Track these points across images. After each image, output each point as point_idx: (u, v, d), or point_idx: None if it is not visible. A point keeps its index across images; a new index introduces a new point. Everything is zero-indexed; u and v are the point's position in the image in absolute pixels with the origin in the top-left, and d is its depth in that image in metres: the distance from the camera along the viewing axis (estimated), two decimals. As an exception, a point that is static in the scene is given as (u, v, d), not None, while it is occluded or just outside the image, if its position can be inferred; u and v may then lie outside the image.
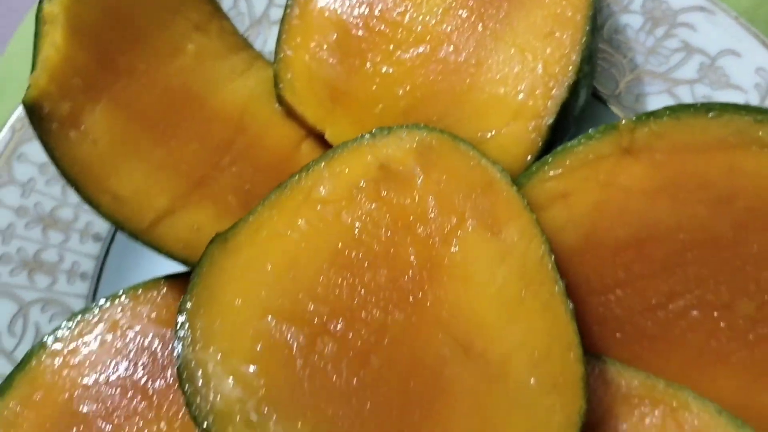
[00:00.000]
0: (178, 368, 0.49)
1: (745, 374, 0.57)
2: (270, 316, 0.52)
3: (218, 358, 0.50)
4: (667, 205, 0.56)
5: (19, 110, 0.68)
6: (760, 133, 0.52)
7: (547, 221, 0.58)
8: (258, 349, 0.50)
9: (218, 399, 0.48)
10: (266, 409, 0.48)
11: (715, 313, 0.56)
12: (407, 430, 0.49)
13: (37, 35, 0.55)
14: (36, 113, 0.53)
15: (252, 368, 0.50)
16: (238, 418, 0.48)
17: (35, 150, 0.68)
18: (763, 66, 0.66)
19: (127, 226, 0.55)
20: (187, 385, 0.49)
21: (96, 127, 0.56)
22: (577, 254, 0.58)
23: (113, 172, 0.55)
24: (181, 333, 0.50)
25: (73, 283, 0.66)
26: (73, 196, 0.68)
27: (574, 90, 0.59)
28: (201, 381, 0.49)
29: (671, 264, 0.57)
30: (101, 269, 0.68)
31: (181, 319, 0.51)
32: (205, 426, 0.47)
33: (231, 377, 0.49)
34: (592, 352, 0.58)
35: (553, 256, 0.55)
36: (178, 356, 0.50)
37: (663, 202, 0.56)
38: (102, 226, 0.69)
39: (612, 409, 0.57)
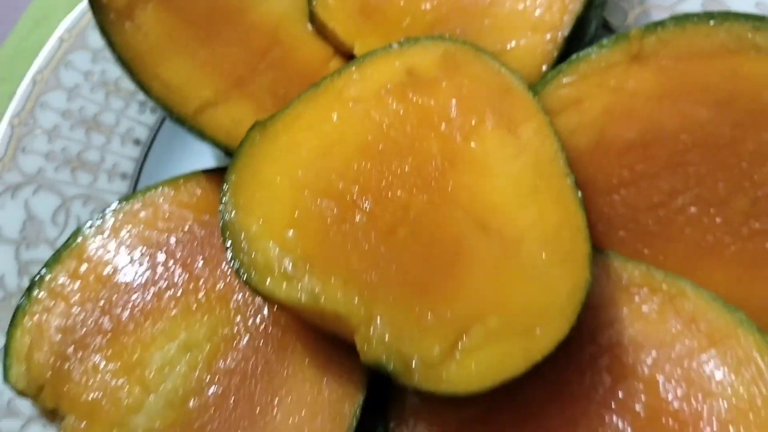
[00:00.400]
0: (222, 230, 0.54)
1: (739, 267, 0.62)
2: (306, 191, 0.57)
3: (260, 222, 0.55)
4: (671, 108, 0.61)
5: (67, 22, 0.73)
6: (758, 39, 0.57)
7: (560, 125, 0.63)
8: (295, 215, 0.55)
9: (259, 255, 0.53)
10: (302, 264, 0.53)
11: (712, 210, 0.61)
12: (428, 289, 0.54)
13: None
14: (96, 2, 0.57)
15: (290, 232, 0.54)
16: (276, 271, 0.52)
17: (81, 58, 0.73)
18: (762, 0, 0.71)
19: (175, 111, 0.59)
20: (230, 245, 0.53)
21: (148, 22, 0.61)
22: (586, 156, 0.63)
23: (162, 63, 0.60)
24: (225, 200, 0.55)
25: (113, 182, 0.71)
26: (115, 102, 0.73)
27: (588, 6, 0.64)
28: (244, 241, 0.54)
29: (673, 164, 0.61)
30: (140, 171, 0.72)
31: (225, 188, 0.55)
32: (246, 278, 0.52)
33: (271, 238, 0.54)
34: (597, 247, 0.63)
35: (564, 154, 0.60)
36: (223, 221, 0.54)
37: (667, 105, 0.61)
38: (141, 131, 0.73)
39: (614, 297, 0.62)
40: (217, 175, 0.65)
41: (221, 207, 0.54)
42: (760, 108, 0.59)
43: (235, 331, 0.59)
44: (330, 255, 0.54)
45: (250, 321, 0.60)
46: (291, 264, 0.53)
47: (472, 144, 0.61)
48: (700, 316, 0.60)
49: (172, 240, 0.62)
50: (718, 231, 0.61)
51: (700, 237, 0.62)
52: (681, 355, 0.59)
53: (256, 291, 0.52)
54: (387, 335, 0.51)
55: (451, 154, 0.60)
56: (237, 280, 0.61)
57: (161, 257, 0.62)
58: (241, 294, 0.60)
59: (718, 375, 0.58)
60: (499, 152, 0.60)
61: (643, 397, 0.58)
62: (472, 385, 0.50)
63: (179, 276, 0.61)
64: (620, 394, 0.59)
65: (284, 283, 0.52)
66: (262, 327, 0.59)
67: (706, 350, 0.59)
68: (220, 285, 0.61)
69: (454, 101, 0.63)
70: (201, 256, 0.62)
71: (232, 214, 0.54)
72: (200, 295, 0.60)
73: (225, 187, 0.55)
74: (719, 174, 0.61)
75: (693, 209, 0.62)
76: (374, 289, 0.53)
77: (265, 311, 0.60)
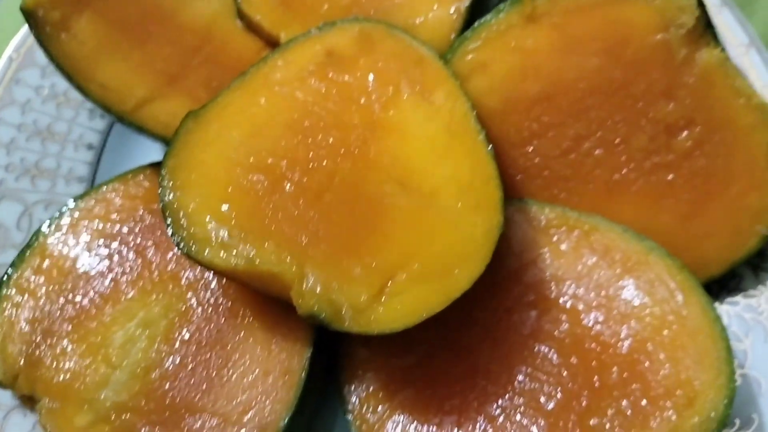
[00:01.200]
0: (162, 211, 0.59)
1: (645, 199, 0.67)
2: (238, 168, 0.62)
3: (196, 200, 0.60)
4: (567, 61, 0.66)
5: (15, 42, 0.78)
6: (637, -13, 0.63)
7: (470, 88, 0.68)
8: (229, 191, 0.60)
9: (197, 229, 0.58)
10: (237, 233, 0.58)
11: (616, 150, 0.67)
12: (355, 245, 0.59)
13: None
14: (33, 17, 0.63)
15: (225, 206, 0.60)
16: (214, 242, 0.57)
17: (31, 74, 0.78)
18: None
19: (114, 109, 0.65)
20: (170, 222, 0.58)
21: (82, 31, 0.66)
22: (497, 114, 0.68)
23: (99, 67, 0.66)
24: (165, 183, 0.60)
25: (71, 186, 0.76)
26: (66, 113, 0.78)
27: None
28: (183, 218, 0.59)
29: (575, 111, 0.67)
30: (95, 173, 0.78)
31: (164, 172, 0.61)
32: (186, 251, 0.57)
33: (207, 213, 0.59)
34: (516, 197, 0.69)
35: (475, 112, 0.65)
36: (163, 202, 0.59)
37: (563, 58, 0.66)
38: (93, 137, 0.79)
39: (534, 239, 0.67)
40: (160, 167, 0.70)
41: (160, 190, 0.60)
42: (645, 50, 0.64)
43: (188, 305, 0.64)
44: (263, 223, 0.59)
45: (201, 295, 0.65)
46: (227, 234, 0.58)
47: (390, 113, 0.66)
48: (614, 248, 0.65)
49: (125, 230, 0.67)
50: (624, 168, 0.67)
51: (608, 176, 0.67)
52: (599, 284, 0.64)
53: (197, 261, 0.57)
54: (318, 287, 0.56)
55: (372, 123, 0.65)
56: (186, 261, 0.66)
57: (116, 246, 0.67)
58: (191, 272, 0.66)
59: (634, 299, 0.63)
60: (415, 117, 0.65)
61: (566, 325, 0.63)
62: (398, 323, 0.56)
63: (134, 261, 0.66)
64: (546, 326, 0.64)
65: (222, 252, 0.57)
66: (213, 299, 0.64)
67: (621, 277, 0.64)
68: (172, 266, 0.66)
69: (371, 75, 0.68)
70: (152, 242, 0.67)
71: (171, 196, 0.60)
72: (154, 276, 0.65)
73: (163, 171, 0.60)
74: (618, 116, 0.66)
75: (599, 151, 0.67)
76: (305, 249, 0.58)
77: (214, 285, 0.65)
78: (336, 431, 0.68)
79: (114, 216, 0.68)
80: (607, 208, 0.67)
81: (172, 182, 0.60)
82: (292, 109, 0.66)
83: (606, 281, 0.64)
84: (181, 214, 0.59)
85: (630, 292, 0.63)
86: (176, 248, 0.64)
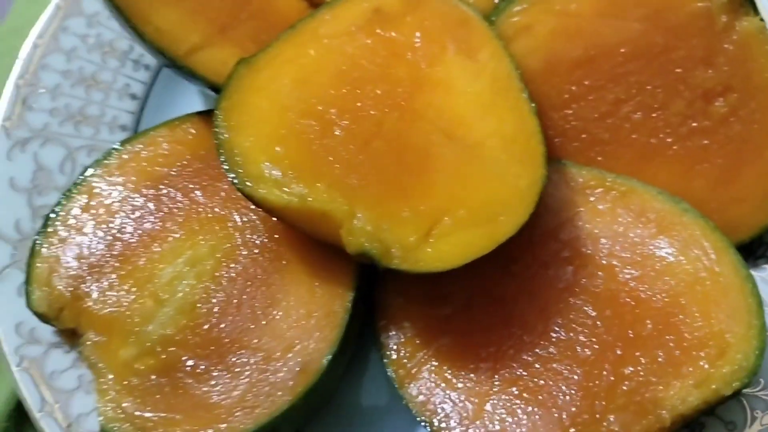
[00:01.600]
0: (218, 148, 0.61)
1: (680, 165, 0.69)
2: (289, 113, 0.63)
3: (250, 140, 0.61)
4: (609, 25, 0.68)
5: (62, -9, 0.80)
6: (681, -44, 0.65)
7: (514, 49, 0.70)
8: (282, 133, 0.62)
9: (252, 167, 0.60)
10: (290, 172, 0.60)
11: (654, 114, 0.69)
12: (403, 189, 0.61)
13: None
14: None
15: (278, 147, 0.61)
16: (269, 180, 0.59)
17: (77, 23, 0.79)
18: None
19: (167, 52, 0.66)
20: (225, 159, 0.60)
21: (140, -25, 0.68)
22: (539, 76, 0.70)
23: (154, 11, 0.67)
24: (219, 122, 0.62)
25: (114, 133, 0.78)
26: (111, 62, 0.79)
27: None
28: (238, 156, 0.60)
29: (616, 75, 0.69)
30: (138, 123, 0.79)
31: (218, 112, 0.62)
32: (241, 188, 0.59)
33: (261, 153, 0.60)
34: (555, 158, 0.70)
35: (518, 72, 0.67)
36: (218, 140, 0.61)
37: (606, 23, 0.68)
38: (137, 87, 0.80)
39: (572, 199, 0.69)
40: (208, 116, 0.71)
41: (215, 129, 0.61)
42: (686, 18, 0.67)
43: (234, 246, 0.66)
44: (314, 164, 0.61)
45: (248, 237, 0.66)
46: (280, 173, 0.60)
47: (436, 69, 0.68)
48: (649, 208, 0.67)
49: (172, 172, 0.69)
50: (661, 133, 0.69)
51: (645, 140, 0.69)
52: (634, 242, 0.66)
53: (251, 198, 0.59)
54: (369, 226, 0.58)
55: (418, 78, 0.67)
56: (234, 204, 0.67)
57: (163, 188, 0.68)
58: (238, 215, 0.67)
59: (668, 256, 0.65)
60: (460, 74, 0.67)
61: (601, 281, 0.65)
62: (446, 263, 0.57)
63: (181, 203, 0.68)
64: (582, 281, 0.66)
65: (275, 190, 0.59)
66: (259, 241, 0.66)
67: (656, 236, 0.66)
68: (219, 209, 0.67)
69: (418, 33, 0.70)
70: (199, 185, 0.68)
71: (226, 134, 0.61)
72: (201, 217, 0.67)
73: (217, 111, 0.62)
74: (657, 81, 0.68)
75: (637, 115, 0.69)
76: (355, 190, 0.60)
77: (261, 228, 0.67)
78: (371, 374, 0.69)
79: (161, 159, 0.69)
80: (642, 172, 0.69)
81: (226, 122, 0.62)
82: (341, 61, 0.68)
83: (641, 240, 0.66)
84: (236, 152, 0.60)
85: (664, 250, 0.65)
86: (228, 196, 0.65)
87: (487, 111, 0.65)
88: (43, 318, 0.65)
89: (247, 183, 0.59)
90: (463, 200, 0.60)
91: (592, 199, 0.68)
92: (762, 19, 0.66)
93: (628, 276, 0.65)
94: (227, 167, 0.59)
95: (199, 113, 0.72)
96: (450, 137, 0.63)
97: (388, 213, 0.59)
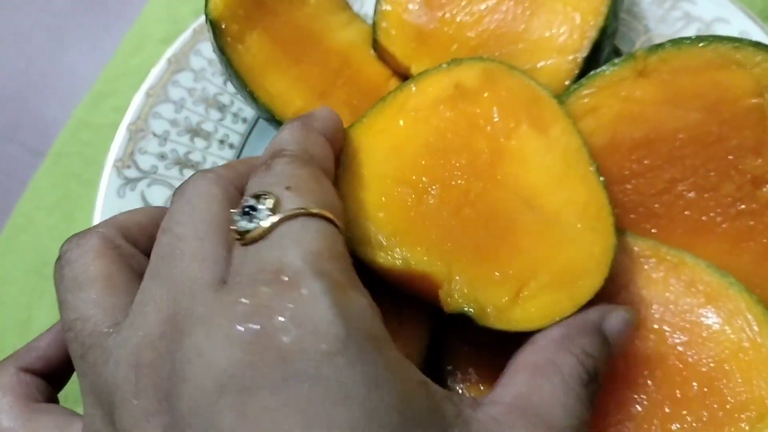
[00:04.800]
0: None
1: (728, 241, 0.76)
2: (388, 180, 0.71)
3: (354, 205, 0.69)
4: (670, 113, 0.76)
5: (173, 48, 0.89)
6: (738, 56, 0.73)
7: (581, 128, 0.77)
8: (382, 200, 0.69)
9: (359, 232, 0.67)
10: (393, 238, 0.67)
11: (706, 195, 0.76)
12: (491, 254, 0.68)
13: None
14: (216, 28, 0.74)
15: (380, 213, 0.69)
16: (375, 244, 0.66)
17: (186, 78, 0.89)
18: (746, 30, 0.87)
19: (276, 115, 0.75)
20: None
21: (253, 45, 0.77)
22: (602, 153, 0.78)
23: (265, 77, 0.76)
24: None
25: (213, 179, 0.87)
26: (213, 114, 0.89)
27: (602, 34, 0.80)
28: (349, 221, 0.67)
29: (673, 158, 0.76)
30: (233, 170, 0.88)
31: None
32: (351, 247, 0.65)
33: (366, 218, 0.68)
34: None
35: (587, 148, 0.75)
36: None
37: (667, 110, 0.76)
38: (235, 137, 0.89)
39: (628, 266, 0.76)
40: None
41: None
42: (741, 111, 0.74)
43: None
44: (413, 230, 0.68)
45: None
46: (384, 238, 0.67)
47: (513, 142, 0.76)
48: (698, 280, 0.74)
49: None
50: (711, 212, 0.76)
51: (696, 217, 0.76)
52: (683, 310, 0.73)
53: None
54: (465, 289, 0.65)
55: (497, 150, 0.75)
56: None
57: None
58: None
59: (714, 325, 0.71)
60: (534, 148, 0.75)
61: (653, 343, 0.72)
62: (534, 323, 0.64)
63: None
64: (635, 342, 0.72)
65: (381, 253, 0.66)
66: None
67: (704, 306, 0.72)
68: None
69: (495, 108, 0.78)
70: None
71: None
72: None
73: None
74: (710, 165, 0.75)
75: (690, 194, 0.76)
76: (450, 254, 0.67)
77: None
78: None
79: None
80: (693, 245, 0.76)
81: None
82: (428, 132, 0.76)
83: (690, 308, 0.73)
84: (349, 218, 0.68)
85: (711, 319, 0.72)
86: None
87: (561, 182, 0.72)
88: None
89: (357, 246, 0.66)
90: (546, 265, 0.67)
91: (646, 267, 0.75)
92: (809, 117, 0.73)
93: (677, 341, 0.72)
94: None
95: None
96: (530, 206, 0.71)
97: (482, 276, 0.66)
